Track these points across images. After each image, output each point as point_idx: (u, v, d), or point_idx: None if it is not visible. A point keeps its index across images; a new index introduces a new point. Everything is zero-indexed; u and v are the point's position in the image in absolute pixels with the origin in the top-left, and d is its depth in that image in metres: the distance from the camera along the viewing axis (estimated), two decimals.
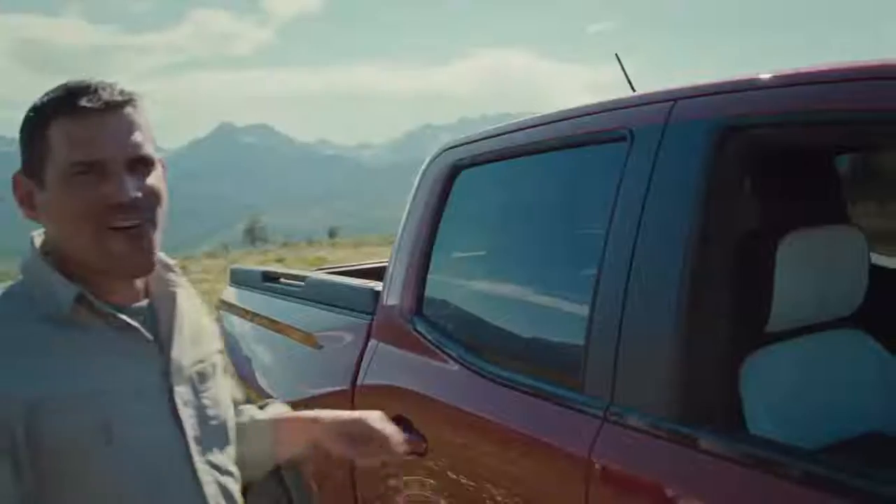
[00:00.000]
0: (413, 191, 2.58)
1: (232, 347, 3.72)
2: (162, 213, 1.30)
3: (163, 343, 1.34)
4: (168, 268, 1.41)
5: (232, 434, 1.45)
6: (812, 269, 1.78)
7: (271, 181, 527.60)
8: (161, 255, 1.37)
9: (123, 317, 1.29)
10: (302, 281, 3.32)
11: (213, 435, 1.38)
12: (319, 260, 18.51)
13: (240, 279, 4.04)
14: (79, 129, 1.23)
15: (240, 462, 1.47)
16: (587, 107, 1.97)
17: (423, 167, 2.58)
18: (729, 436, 1.55)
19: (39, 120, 1.26)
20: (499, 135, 2.30)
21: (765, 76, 1.59)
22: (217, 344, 1.52)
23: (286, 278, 3.57)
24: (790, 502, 1.37)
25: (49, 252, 1.31)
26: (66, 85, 1.26)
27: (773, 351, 1.77)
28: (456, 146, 2.47)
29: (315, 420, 1.60)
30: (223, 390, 1.47)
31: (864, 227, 2.02)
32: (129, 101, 1.27)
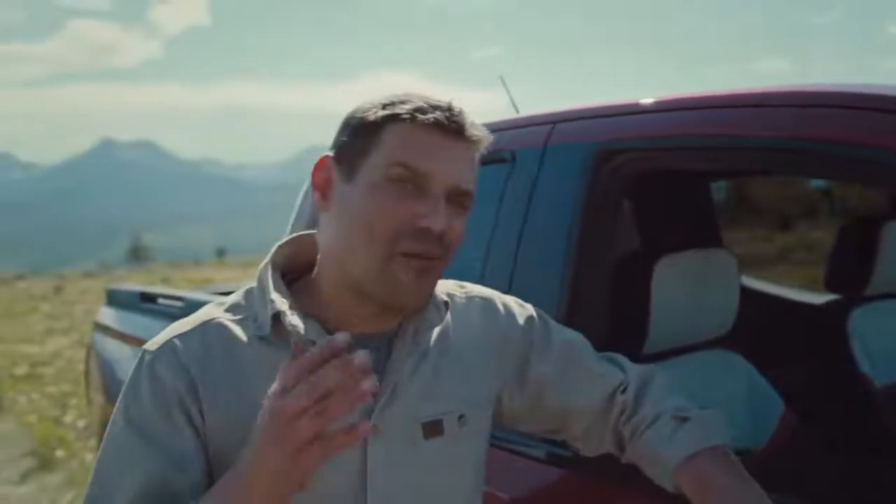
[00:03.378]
0: (296, 209, 2.54)
1: (107, 371, 3.58)
2: (448, 261, 1.18)
3: (382, 383, 1.17)
4: (436, 304, 1.25)
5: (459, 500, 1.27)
6: (686, 291, 1.83)
7: (156, 199, 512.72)
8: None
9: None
10: (180, 301, 3.21)
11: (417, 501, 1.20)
12: (206, 280, 18.09)
13: (116, 300, 3.90)
14: (421, 136, 1.11)
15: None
16: None
17: (306, 187, 2.54)
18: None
19: (383, 114, 1.13)
20: None
21: (639, 101, 1.64)
22: (482, 396, 1.30)
23: (165, 298, 3.46)
24: None
25: (288, 266, 1.23)
26: (423, 96, 1.14)
27: None
28: None
29: None
30: (467, 449, 1.27)
31: (735, 251, 2.09)
32: (480, 140, 1.16)
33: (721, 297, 1.90)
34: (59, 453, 5.65)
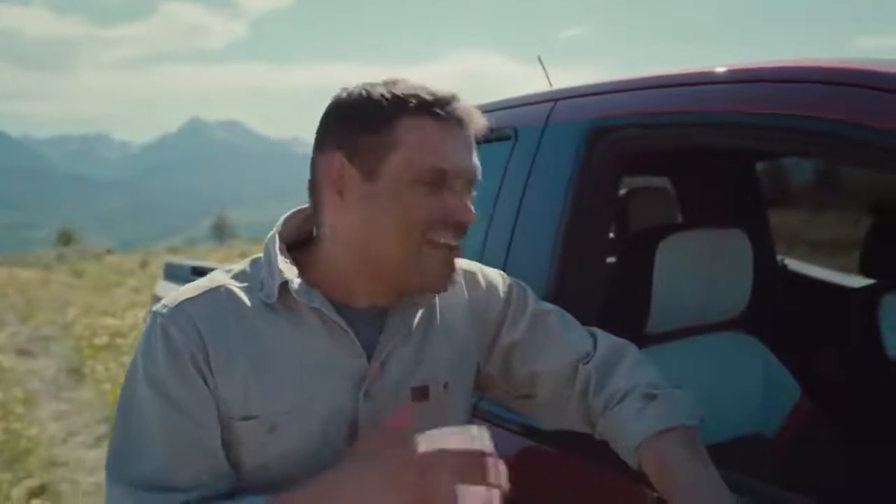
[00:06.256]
0: None
1: None
2: None
3: (375, 352, 1.24)
4: None
5: None
6: (692, 271, 1.80)
7: (242, 177, 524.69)
8: None
9: (328, 313, 1.20)
10: None
11: None
12: None
13: (173, 274, 4.03)
14: (438, 133, 1.17)
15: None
16: (480, 106, 1.99)
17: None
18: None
19: (391, 109, 1.16)
20: None
21: (633, 78, 1.62)
22: (465, 364, 1.36)
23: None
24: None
25: (291, 238, 1.28)
26: (424, 87, 1.18)
27: (652, 352, 1.78)
28: None
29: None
30: (450, 414, 1.31)
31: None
32: (482, 125, 1.24)
33: (732, 278, 1.86)
34: None
